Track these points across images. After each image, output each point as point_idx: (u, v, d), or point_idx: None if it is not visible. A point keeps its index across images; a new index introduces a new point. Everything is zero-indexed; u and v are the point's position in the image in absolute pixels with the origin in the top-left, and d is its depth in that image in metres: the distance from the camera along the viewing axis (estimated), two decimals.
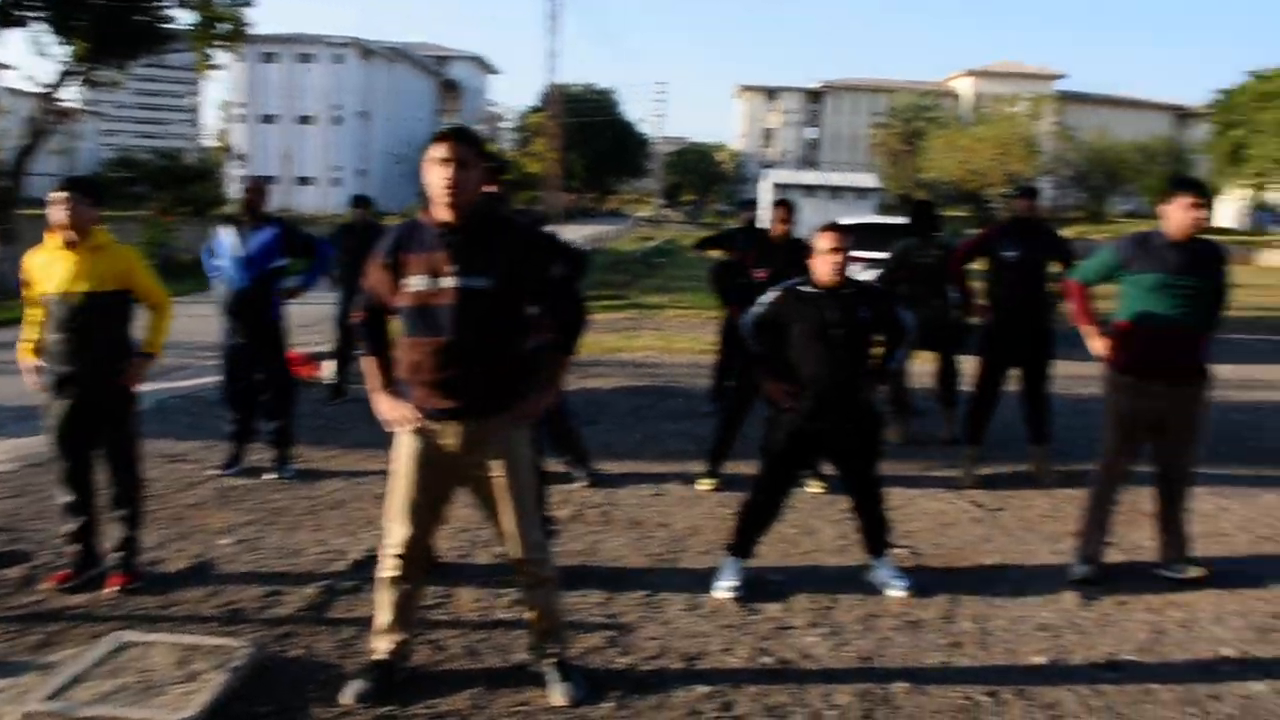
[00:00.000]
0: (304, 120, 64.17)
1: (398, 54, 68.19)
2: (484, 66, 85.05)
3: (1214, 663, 4.01)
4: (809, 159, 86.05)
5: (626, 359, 11.13)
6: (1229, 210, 63.96)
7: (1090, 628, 4.29)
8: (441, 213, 3.26)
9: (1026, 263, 6.44)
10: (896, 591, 4.54)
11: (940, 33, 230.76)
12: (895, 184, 67.86)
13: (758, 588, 4.55)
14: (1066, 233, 47.45)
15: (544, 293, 3.44)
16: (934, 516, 5.77)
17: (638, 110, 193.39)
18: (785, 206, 6.58)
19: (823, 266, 4.42)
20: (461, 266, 3.23)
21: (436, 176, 3.22)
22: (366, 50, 64.37)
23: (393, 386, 3.45)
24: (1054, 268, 6.43)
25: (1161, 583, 4.81)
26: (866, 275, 8.96)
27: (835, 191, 45.11)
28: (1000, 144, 55.45)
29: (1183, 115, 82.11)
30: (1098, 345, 4.91)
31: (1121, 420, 4.82)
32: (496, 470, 3.38)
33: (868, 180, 49.68)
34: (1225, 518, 5.92)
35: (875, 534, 4.67)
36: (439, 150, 3.21)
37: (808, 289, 4.48)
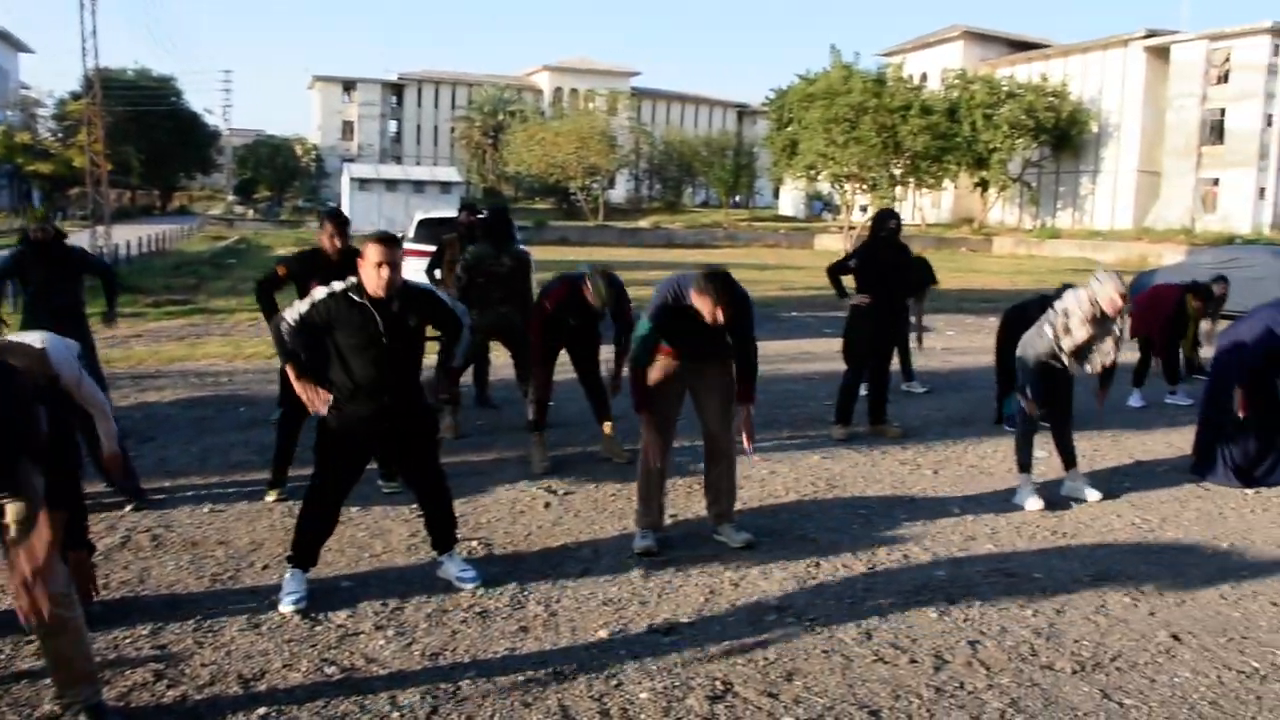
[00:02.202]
0: None
1: None
2: (12, 44, 74.46)
3: (760, 614, 4.41)
4: (391, 152, 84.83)
5: (189, 368, 10.31)
6: (789, 199, 71.57)
7: (651, 597, 4.57)
8: None
9: None
10: (466, 585, 4.59)
11: (518, 28, 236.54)
12: (479, 177, 68.96)
13: (326, 597, 4.41)
14: (643, 223, 50.20)
15: None
16: (507, 505, 5.90)
17: (203, 100, 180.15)
18: (336, 220, 6.06)
19: (372, 279, 4.30)
20: None
21: None
22: None
23: None
24: None
25: (717, 546, 5.25)
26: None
27: (418, 186, 44.99)
28: (579, 138, 58.12)
29: (745, 112, 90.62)
30: None
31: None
32: None
33: (450, 174, 50.09)
34: (776, 480, 6.57)
35: (442, 530, 4.68)
36: None
37: (357, 297, 4.31)
